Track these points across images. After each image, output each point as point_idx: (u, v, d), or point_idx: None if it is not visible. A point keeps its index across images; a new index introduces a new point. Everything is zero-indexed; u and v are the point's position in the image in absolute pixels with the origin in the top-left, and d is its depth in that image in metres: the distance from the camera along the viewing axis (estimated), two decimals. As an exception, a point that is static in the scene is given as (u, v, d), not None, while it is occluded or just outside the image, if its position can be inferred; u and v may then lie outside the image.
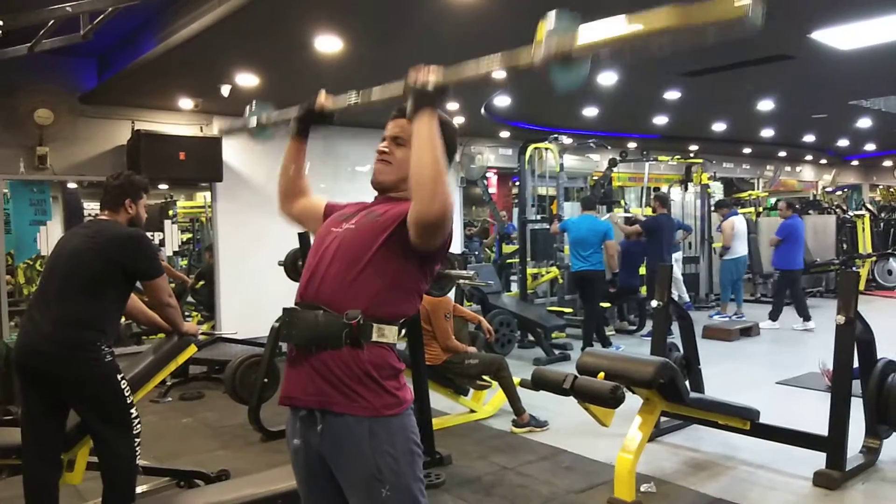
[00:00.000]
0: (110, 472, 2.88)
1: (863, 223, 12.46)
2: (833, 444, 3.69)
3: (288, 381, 1.71)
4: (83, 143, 6.61)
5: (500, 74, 5.36)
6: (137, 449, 2.90)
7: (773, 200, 15.00)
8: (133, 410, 2.89)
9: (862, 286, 11.97)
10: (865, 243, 12.60)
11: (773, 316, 8.60)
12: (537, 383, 3.40)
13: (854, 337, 3.75)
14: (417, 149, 1.59)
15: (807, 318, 8.43)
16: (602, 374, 3.32)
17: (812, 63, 5.78)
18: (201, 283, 8.21)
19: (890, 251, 13.03)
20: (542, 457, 4.21)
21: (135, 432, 2.89)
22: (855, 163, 16.26)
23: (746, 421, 3.98)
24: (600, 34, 1.38)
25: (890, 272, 12.14)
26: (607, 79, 6.33)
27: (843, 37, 4.98)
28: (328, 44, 4.60)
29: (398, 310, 1.70)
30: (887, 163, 16.24)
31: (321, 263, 1.70)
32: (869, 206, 13.79)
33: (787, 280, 8.67)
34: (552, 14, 1.39)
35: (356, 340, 1.62)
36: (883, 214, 13.83)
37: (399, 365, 1.70)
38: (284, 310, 1.72)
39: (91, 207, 8.36)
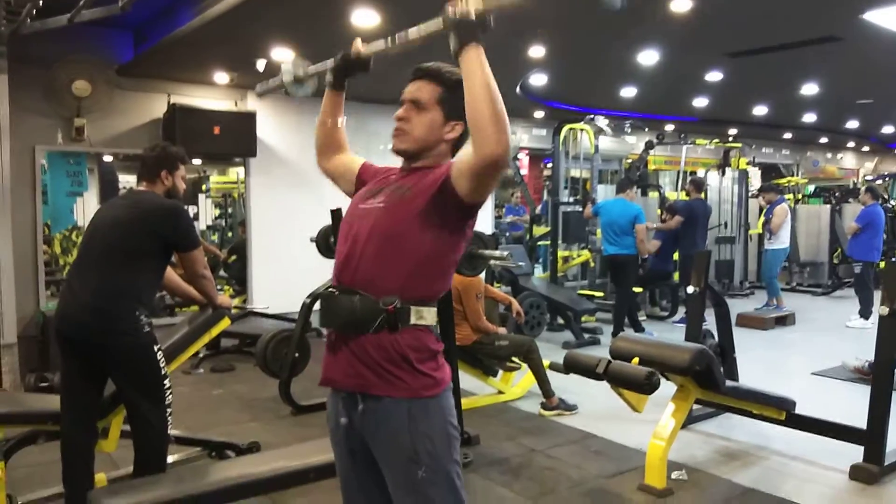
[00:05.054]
0: (142, 440, 2.91)
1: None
2: (872, 437, 3.60)
3: (327, 363, 1.71)
4: (119, 116, 6.66)
5: (538, 52, 5.24)
6: (169, 419, 2.93)
7: (811, 188, 14.63)
8: (166, 381, 2.92)
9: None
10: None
11: (865, 313, 7.90)
12: (570, 367, 3.36)
13: (898, 329, 3.63)
14: (470, 89, 1.51)
15: (867, 315, 7.85)
16: (636, 360, 3.27)
17: (861, 45, 5.56)
18: (233, 257, 8.30)
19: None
20: (571, 440, 4.18)
21: (167, 402, 2.92)
22: (899, 151, 15.83)
23: (782, 411, 3.90)
24: None
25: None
26: (648, 58, 6.17)
27: (896, 18, 4.79)
28: (365, 18, 4.55)
29: (434, 287, 1.68)
30: (933, 151, 15.77)
31: (355, 246, 1.67)
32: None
33: (869, 270, 8.11)
34: None
35: (394, 325, 1.60)
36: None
37: (437, 346, 1.69)
38: (321, 296, 1.71)
39: (126, 180, 8.44)
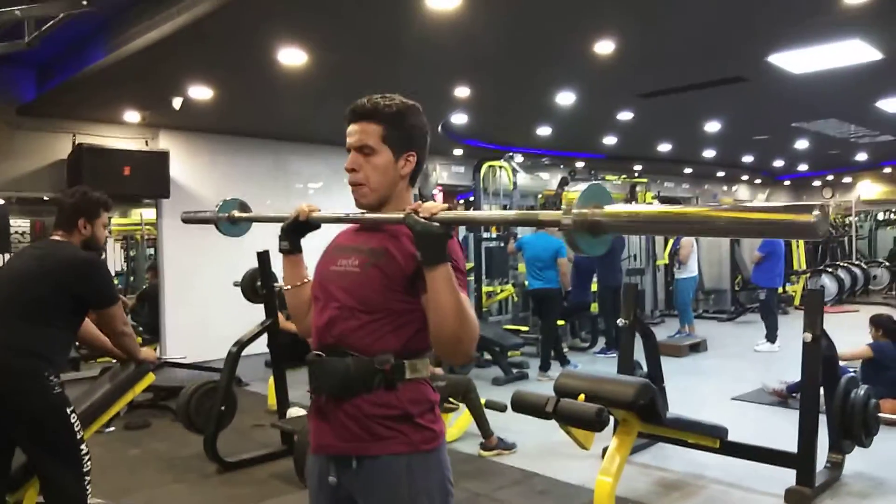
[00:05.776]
0: (59, 513, 2.65)
1: (797, 241, 12.95)
2: (803, 460, 3.72)
3: (319, 429, 1.62)
4: (20, 158, 6.24)
5: (463, 92, 5.28)
6: (88, 487, 2.69)
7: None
8: (83, 446, 2.69)
9: (797, 302, 12.49)
10: (800, 260, 13.11)
11: (771, 337, 8.30)
12: (517, 406, 3.31)
13: (821, 354, 3.80)
14: (437, 308, 1.45)
15: (773, 339, 8.29)
16: (582, 396, 3.26)
17: (764, 85, 5.95)
18: (142, 303, 7.86)
19: (821, 267, 13.61)
20: (515, 481, 4.11)
21: (85, 469, 2.68)
22: (787, 183, 16.96)
23: (716, 439, 3.98)
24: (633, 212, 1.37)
25: (822, 287, 12.54)
26: (565, 98, 6.36)
27: (796, 61, 5.14)
28: (292, 56, 4.46)
29: (427, 340, 1.60)
30: (816, 182, 17.00)
31: (338, 310, 1.59)
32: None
33: (773, 296, 8.53)
34: (585, 185, 1.34)
35: (391, 383, 1.54)
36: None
37: (434, 396, 1.63)
38: (308, 361, 1.62)
39: (18, 225, 7.88)
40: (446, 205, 1.48)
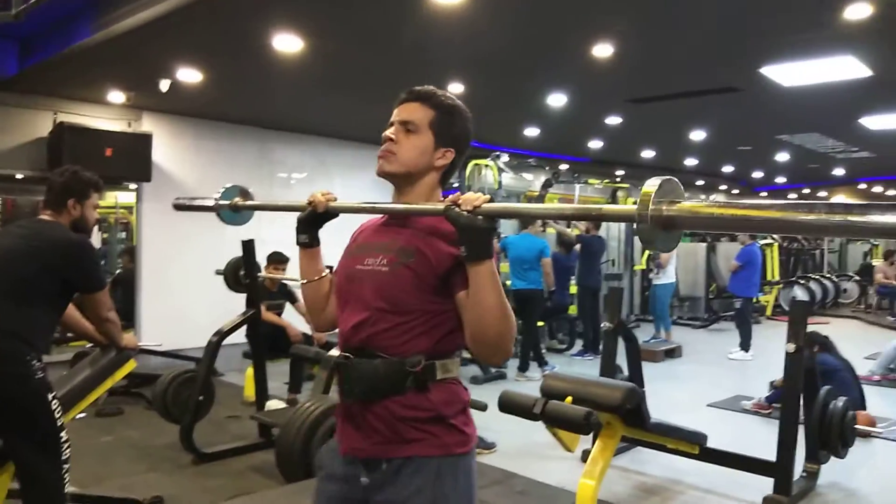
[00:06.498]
0: (35, 501, 2.59)
1: (771, 252, 13.14)
2: (781, 469, 3.77)
3: (348, 433, 1.58)
4: (-2, 134, 6.10)
5: (457, 88, 5.21)
6: (66, 476, 2.63)
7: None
8: (63, 434, 2.63)
9: (769, 312, 12.68)
10: (773, 271, 13.31)
11: (745, 346, 8.44)
12: (504, 407, 3.30)
13: (804, 365, 3.84)
14: (479, 303, 1.41)
15: (747, 348, 8.43)
16: (570, 399, 3.25)
17: (754, 96, 6.00)
18: (115, 288, 7.71)
19: (794, 278, 13.83)
20: (494, 481, 4.10)
21: (63, 458, 2.62)
22: (763, 194, 17.16)
23: (695, 445, 4.01)
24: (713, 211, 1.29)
25: (805, 300, 12.71)
26: (556, 100, 6.36)
27: (788, 73, 5.20)
28: (287, 43, 4.38)
29: (457, 340, 1.57)
30: (792, 195, 17.22)
31: (367, 312, 1.55)
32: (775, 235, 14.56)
33: (748, 306, 8.63)
34: (657, 180, 1.28)
35: (423, 384, 1.50)
36: (785, 244, 14.67)
37: (466, 395, 1.60)
38: (337, 363, 1.58)
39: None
40: (488, 196, 1.43)
